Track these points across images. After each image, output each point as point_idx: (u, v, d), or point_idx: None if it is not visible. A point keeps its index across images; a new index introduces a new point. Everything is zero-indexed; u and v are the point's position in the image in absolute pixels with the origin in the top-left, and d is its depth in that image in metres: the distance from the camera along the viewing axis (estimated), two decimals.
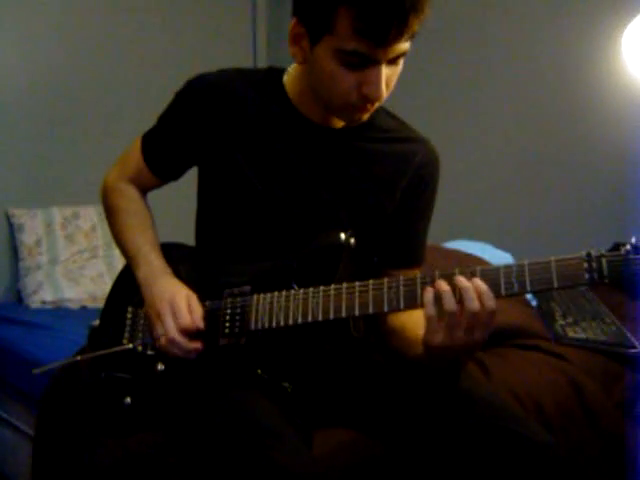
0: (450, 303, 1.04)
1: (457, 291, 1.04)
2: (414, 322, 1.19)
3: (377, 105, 1.17)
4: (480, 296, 1.03)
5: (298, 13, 1.12)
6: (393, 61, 1.11)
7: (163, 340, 1.20)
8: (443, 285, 1.05)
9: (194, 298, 1.23)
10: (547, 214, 2.83)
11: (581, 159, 2.71)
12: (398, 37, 1.06)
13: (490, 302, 1.03)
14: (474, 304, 1.02)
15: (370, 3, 1.02)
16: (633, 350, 1.77)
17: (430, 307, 1.05)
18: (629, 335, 1.82)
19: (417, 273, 1.34)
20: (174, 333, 1.18)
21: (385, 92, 1.13)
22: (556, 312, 2.00)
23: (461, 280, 1.04)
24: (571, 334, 1.86)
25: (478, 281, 1.03)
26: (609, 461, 1.52)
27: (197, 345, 1.20)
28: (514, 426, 1.10)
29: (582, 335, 1.85)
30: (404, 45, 1.09)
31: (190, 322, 1.19)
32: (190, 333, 1.19)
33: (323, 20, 1.07)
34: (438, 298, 1.05)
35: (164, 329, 1.19)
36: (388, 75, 1.12)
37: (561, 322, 1.93)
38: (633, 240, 0.95)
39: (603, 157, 2.63)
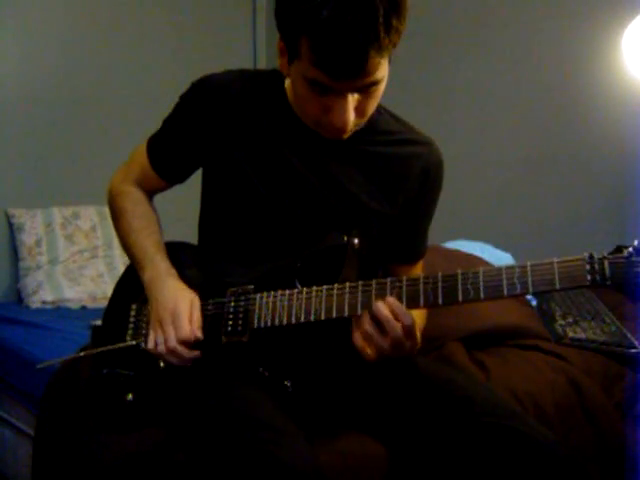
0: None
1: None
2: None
3: (353, 128, 1.16)
4: (397, 317, 1.08)
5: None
6: (364, 90, 1.09)
7: (162, 348, 1.20)
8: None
9: (196, 305, 1.24)
10: (547, 214, 2.83)
11: (581, 159, 2.71)
12: (356, 73, 1.04)
13: (407, 321, 1.08)
14: (397, 331, 1.09)
15: (326, 37, 1.00)
16: (633, 350, 1.77)
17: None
18: (629, 335, 1.82)
19: (419, 269, 1.35)
20: (174, 343, 1.19)
21: (351, 120, 1.11)
22: (556, 312, 2.00)
23: (380, 309, 1.09)
24: (571, 334, 1.86)
25: (392, 301, 1.09)
26: (609, 461, 1.52)
27: (195, 354, 1.20)
28: (514, 424, 1.11)
29: (582, 335, 1.85)
30: (370, 78, 1.06)
31: (189, 333, 1.20)
32: (189, 343, 1.20)
33: (290, 45, 1.08)
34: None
35: (164, 338, 1.20)
36: (360, 102, 1.10)
37: (561, 322, 1.93)
38: (635, 243, 0.96)
39: (603, 157, 2.63)
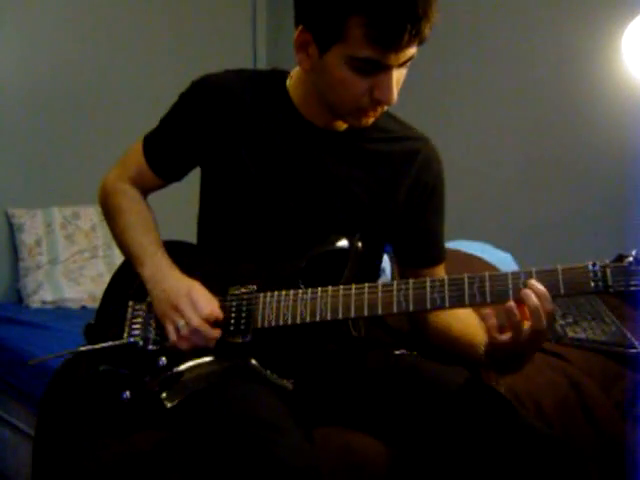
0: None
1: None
2: (464, 325, 1.24)
3: (385, 108, 1.19)
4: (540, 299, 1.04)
5: (304, 21, 1.14)
6: (402, 64, 1.13)
7: (185, 331, 1.19)
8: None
9: (208, 291, 1.24)
10: (547, 214, 2.83)
11: (581, 159, 2.71)
12: (411, 43, 1.09)
13: (549, 305, 1.03)
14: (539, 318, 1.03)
15: (383, 11, 1.04)
16: (633, 350, 1.77)
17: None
18: (629, 335, 1.82)
19: (442, 272, 1.35)
20: (197, 322, 1.18)
21: (396, 94, 1.15)
22: (556, 312, 2.00)
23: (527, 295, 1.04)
24: (571, 334, 1.86)
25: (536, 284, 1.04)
26: (609, 461, 1.52)
27: (218, 333, 1.20)
28: (513, 424, 1.11)
29: (582, 335, 1.85)
30: (415, 49, 1.11)
31: (211, 310, 1.20)
32: (210, 322, 1.20)
33: (333, 29, 1.09)
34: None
35: (186, 320, 1.19)
36: (397, 78, 1.14)
37: (561, 322, 1.93)
38: (634, 253, 1.01)
39: (603, 157, 2.63)
